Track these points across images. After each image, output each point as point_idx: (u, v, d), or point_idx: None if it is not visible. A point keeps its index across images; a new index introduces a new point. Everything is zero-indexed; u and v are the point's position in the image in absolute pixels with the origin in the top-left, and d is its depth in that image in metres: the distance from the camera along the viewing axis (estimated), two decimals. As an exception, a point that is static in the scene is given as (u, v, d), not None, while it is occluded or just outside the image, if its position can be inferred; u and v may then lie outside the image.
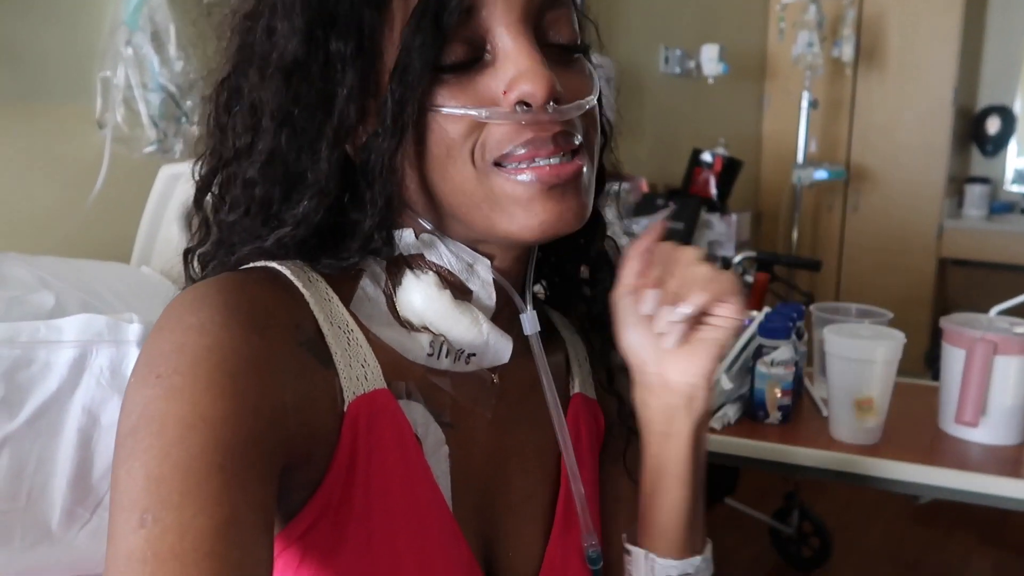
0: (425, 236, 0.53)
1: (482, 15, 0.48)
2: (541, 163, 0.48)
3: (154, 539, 0.38)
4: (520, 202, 0.49)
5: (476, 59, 0.49)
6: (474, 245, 0.53)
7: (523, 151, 0.48)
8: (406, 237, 0.52)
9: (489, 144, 0.48)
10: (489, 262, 0.53)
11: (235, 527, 0.39)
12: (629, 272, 0.54)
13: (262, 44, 0.50)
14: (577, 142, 0.50)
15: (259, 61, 0.50)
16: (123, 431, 0.41)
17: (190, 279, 0.55)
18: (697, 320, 0.53)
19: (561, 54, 0.51)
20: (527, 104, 0.48)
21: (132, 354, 0.78)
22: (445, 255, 0.53)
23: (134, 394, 0.42)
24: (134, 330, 0.79)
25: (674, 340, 0.53)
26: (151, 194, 1.23)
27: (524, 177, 0.49)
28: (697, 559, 0.58)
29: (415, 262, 0.53)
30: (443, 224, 0.52)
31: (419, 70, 0.47)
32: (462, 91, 0.48)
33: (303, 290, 0.49)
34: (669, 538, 0.57)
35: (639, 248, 0.53)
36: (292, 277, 0.49)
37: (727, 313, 0.52)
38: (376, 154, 0.48)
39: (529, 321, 0.55)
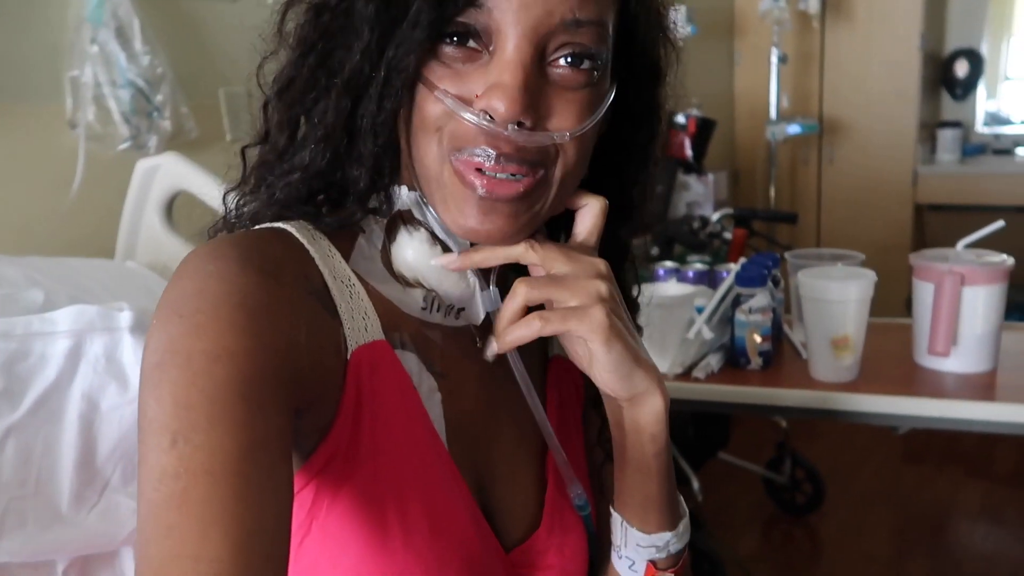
0: (411, 195, 0.54)
1: (493, 16, 0.48)
2: (485, 172, 0.49)
3: (186, 457, 0.41)
4: (456, 199, 0.51)
5: (476, 49, 0.50)
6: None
7: (473, 158, 0.49)
8: (403, 194, 0.54)
9: (453, 135, 0.50)
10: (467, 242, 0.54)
11: (259, 450, 0.43)
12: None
13: None
14: (529, 170, 0.50)
15: None
16: (148, 365, 0.44)
17: (226, 221, 0.57)
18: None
19: (570, 77, 0.50)
20: (490, 116, 0.48)
21: (125, 341, 0.80)
22: (431, 217, 0.54)
23: (159, 333, 0.45)
24: (125, 317, 0.81)
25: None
26: (130, 189, 1.24)
27: (464, 177, 0.50)
28: (667, 534, 0.57)
29: (410, 220, 0.55)
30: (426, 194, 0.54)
31: (420, 37, 0.48)
32: (452, 76, 0.50)
33: (308, 246, 0.52)
34: (639, 516, 0.58)
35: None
36: (298, 235, 0.52)
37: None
38: (372, 110, 0.50)
39: (491, 299, 0.56)
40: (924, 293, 1.21)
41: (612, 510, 0.60)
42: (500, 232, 0.51)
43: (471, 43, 0.50)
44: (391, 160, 0.53)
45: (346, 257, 0.54)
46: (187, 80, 1.53)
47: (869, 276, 1.19)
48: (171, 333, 0.44)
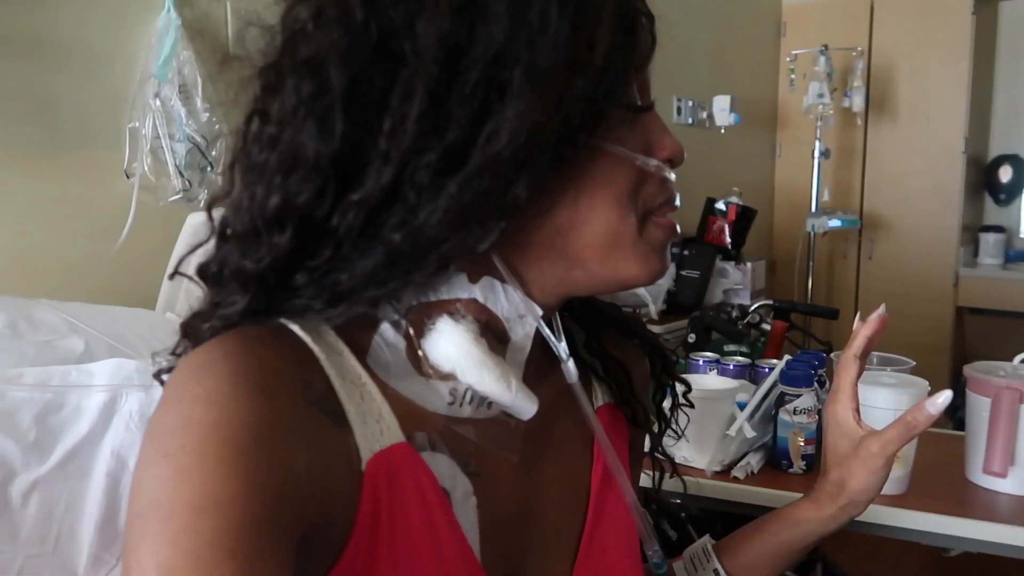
0: (486, 280, 0.51)
1: (641, 75, 0.52)
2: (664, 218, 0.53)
3: None
4: (657, 248, 0.53)
5: (635, 112, 0.51)
6: (527, 292, 0.52)
7: (668, 204, 0.53)
8: (456, 279, 0.50)
9: (649, 195, 0.52)
10: (540, 312, 0.53)
11: None
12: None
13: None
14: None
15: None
16: (132, 513, 0.40)
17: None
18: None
19: None
20: (670, 162, 0.52)
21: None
22: (501, 299, 0.51)
23: (142, 473, 0.41)
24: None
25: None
26: (178, 240, 1.25)
27: (666, 225, 0.53)
28: None
29: (450, 307, 0.51)
30: (521, 267, 0.51)
31: (603, 103, 0.48)
32: (631, 134, 0.50)
33: (312, 345, 0.47)
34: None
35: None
36: (300, 332, 0.47)
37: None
38: (524, 184, 0.46)
39: (571, 370, 0.55)
40: (979, 407, 1.16)
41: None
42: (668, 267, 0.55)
43: (643, 98, 0.52)
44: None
45: (357, 351, 0.49)
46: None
47: (922, 385, 1.14)
48: (154, 476, 0.40)
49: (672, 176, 0.53)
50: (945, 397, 0.60)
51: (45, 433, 0.71)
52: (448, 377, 0.50)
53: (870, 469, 0.64)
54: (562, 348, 0.55)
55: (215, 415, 0.41)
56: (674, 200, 0.53)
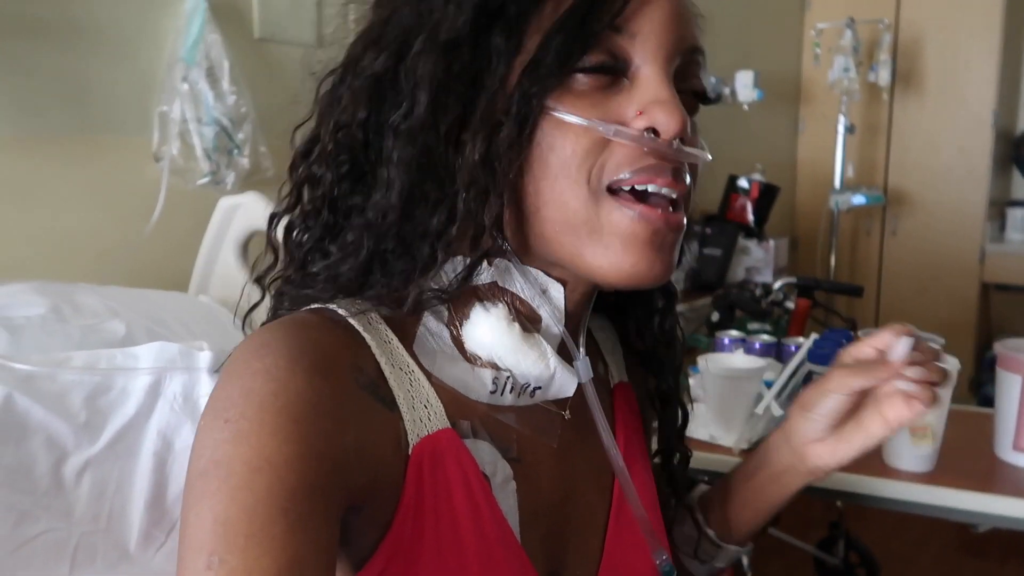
0: (500, 262, 0.52)
1: (635, 41, 0.49)
2: (652, 191, 0.49)
3: None
4: (623, 237, 0.48)
5: (613, 78, 0.49)
6: (547, 270, 0.53)
7: (641, 175, 0.48)
8: (483, 264, 0.51)
9: (609, 165, 0.48)
10: (562, 287, 0.53)
11: (298, 569, 0.40)
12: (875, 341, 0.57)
13: (403, 27, 0.50)
14: (687, 183, 0.51)
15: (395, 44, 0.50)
16: (192, 473, 0.43)
17: (274, 308, 0.56)
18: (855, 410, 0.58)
19: (690, 101, 0.52)
20: (655, 133, 0.48)
21: (203, 381, 0.80)
22: (519, 281, 0.52)
23: (204, 437, 0.43)
24: (205, 357, 0.81)
25: (896, 413, 0.55)
26: (210, 225, 1.27)
27: (633, 212, 0.48)
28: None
29: (482, 293, 0.52)
30: (521, 245, 0.52)
31: (555, 66, 0.47)
32: (592, 105, 0.48)
33: (364, 333, 0.49)
34: (738, 538, 0.68)
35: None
36: (352, 320, 0.49)
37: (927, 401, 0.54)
38: (485, 147, 0.47)
39: (584, 369, 0.54)
40: (1009, 385, 1.16)
41: (716, 540, 0.68)
42: (666, 272, 0.50)
43: (610, 68, 0.49)
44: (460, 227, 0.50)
45: (405, 340, 0.51)
46: (268, 120, 1.58)
47: (953, 364, 1.14)
48: (215, 439, 0.43)
49: (650, 142, 0.48)
50: (902, 346, 0.55)
51: (95, 415, 0.73)
52: (492, 365, 0.52)
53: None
54: (578, 348, 0.55)
55: (273, 387, 0.43)
56: (658, 172, 0.48)
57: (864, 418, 0.57)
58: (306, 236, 0.53)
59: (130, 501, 0.73)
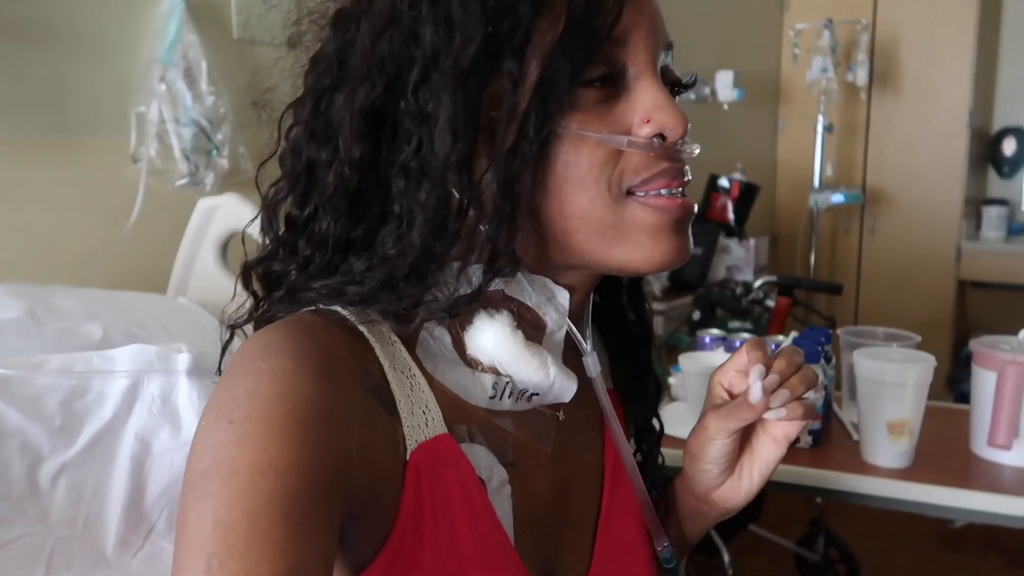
0: (519, 273, 0.52)
1: (627, 49, 0.49)
2: (665, 194, 0.50)
3: None
4: (650, 232, 0.50)
5: (612, 89, 0.50)
6: (555, 276, 0.53)
7: (658, 181, 0.50)
8: (475, 272, 0.50)
9: (626, 172, 0.49)
10: (568, 294, 0.54)
11: (298, 573, 0.40)
12: (743, 360, 0.56)
13: (410, 49, 0.48)
14: (687, 180, 0.52)
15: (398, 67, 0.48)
16: (193, 473, 0.42)
17: (256, 303, 0.54)
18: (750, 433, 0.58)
19: (671, 92, 0.53)
20: (662, 137, 0.50)
21: (181, 383, 0.80)
22: (526, 288, 0.52)
23: (206, 437, 0.43)
24: (183, 360, 0.81)
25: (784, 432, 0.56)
26: (188, 226, 1.26)
27: (655, 208, 0.50)
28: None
29: (486, 300, 0.51)
30: (536, 259, 0.52)
31: (565, 85, 0.47)
32: (599, 118, 0.49)
33: (368, 335, 0.49)
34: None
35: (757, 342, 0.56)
36: (357, 321, 0.49)
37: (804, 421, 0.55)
38: (504, 174, 0.47)
39: (593, 363, 0.55)
40: (984, 381, 1.17)
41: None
42: (689, 251, 0.52)
43: (611, 79, 0.49)
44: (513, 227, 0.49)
45: (407, 342, 0.50)
46: (246, 122, 1.57)
47: (928, 360, 1.16)
48: (218, 440, 0.42)
49: (660, 148, 0.49)
50: (756, 389, 0.54)
51: (70, 418, 0.73)
52: (493, 370, 0.52)
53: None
54: (586, 342, 0.56)
55: (279, 389, 0.43)
56: (673, 175, 0.50)
57: (756, 445, 0.58)
58: (294, 274, 0.51)
59: (107, 505, 0.72)
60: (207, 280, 1.24)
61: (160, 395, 0.78)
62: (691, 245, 0.53)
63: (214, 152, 1.55)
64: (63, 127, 1.33)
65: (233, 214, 1.22)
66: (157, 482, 0.75)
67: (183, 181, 1.49)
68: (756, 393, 0.53)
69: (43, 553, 0.67)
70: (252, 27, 1.58)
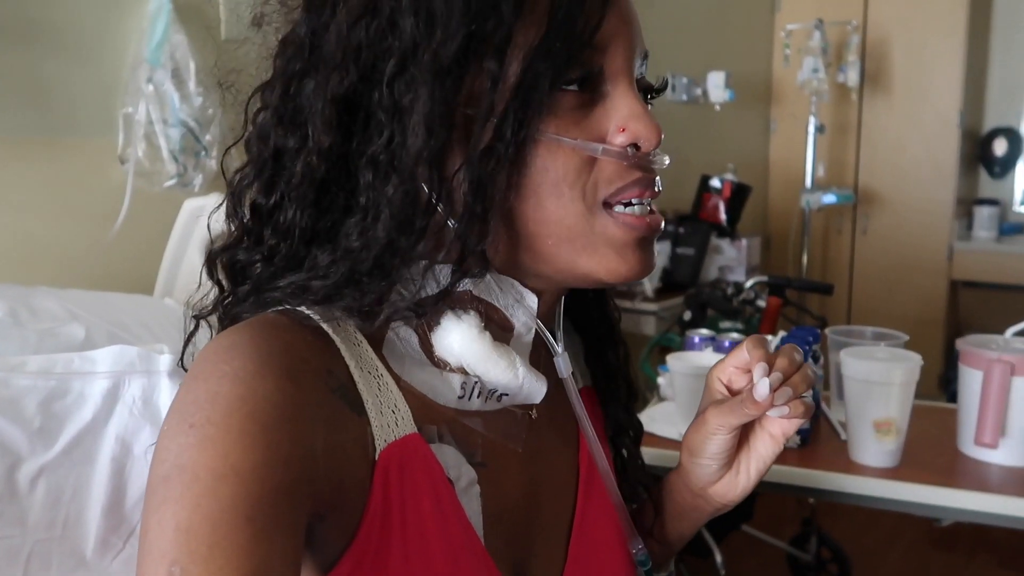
0: (489, 275, 0.51)
1: (605, 55, 0.49)
2: (636, 203, 0.50)
3: None
4: (616, 246, 0.50)
5: (590, 95, 0.50)
6: (523, 280, 0.53)
7: (631, 191, 0.50)
8: (443, 271, 0.50)
9: (601, 181, 0.49)
10: (537, 298, 0.53)
11: None
12: (744, 357, 0.56)
13: (386, 41, 0.47)
14: (658, 191, 0.52)
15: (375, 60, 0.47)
16: (155, 478, 0.42)
17: (222, 298, 0.53)
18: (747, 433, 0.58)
19: (645, 100, 0.54)
20: (636, 147, 0.50)
21: (163, 384, 0.79)
22: (495, 290, 0.52)
23: (168, 442, 0.42)
24: (165, 361, 0.80)
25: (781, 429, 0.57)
26: (175, 227, 1.26)
27: (623, 223, 0.50)
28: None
29: (454, 300, 0.51)
30: (505, 261, 0.52)
31: (544, 88, 0.47)
32: (575, 124, 0.49)
33: (333, 335, 0.48)
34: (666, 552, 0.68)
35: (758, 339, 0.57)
36: (322, 322, 0.48)
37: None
38: (477, 174, 0.46)
39: (564, 364, 0.55)
40: (971, 380, 1.18)
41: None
42: (651, 267, 0.53)
43: (588, 86, 0.49)
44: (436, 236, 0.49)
45: (373, 342, 0.50)
46: (236, 122, 1.56)
47: (915, 359, 1.16)
48: (180, 444, 0.41)
49: (634, 157, 0.49)
50: (763, 387, 0.54)
51: (50, 420, 0.72)
52: (460, 371, 0.52)
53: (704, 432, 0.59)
54: (557, 343, 0.56)
55: (241, 391, 0.42)
56: (645, 185, 0.50)
57: (753, 442, 0.59)
58: (259, 266, 0.51)
59: (87, 507, 0.72)
60: (193, 281, 1.22)
61: (141, 396, 0.77)
62: (654, 258, 0.53)
63: (202, 153, 1.55)
64: (50, 127, 1.33)
65: (221, 215, 1.21)
66: (138, 484, 0.75)
67: (171, 182, 1.49)
68: (763, 390, 0.53)
69: (21, 556, 0.67)
70: (241, 27, 1.58)
